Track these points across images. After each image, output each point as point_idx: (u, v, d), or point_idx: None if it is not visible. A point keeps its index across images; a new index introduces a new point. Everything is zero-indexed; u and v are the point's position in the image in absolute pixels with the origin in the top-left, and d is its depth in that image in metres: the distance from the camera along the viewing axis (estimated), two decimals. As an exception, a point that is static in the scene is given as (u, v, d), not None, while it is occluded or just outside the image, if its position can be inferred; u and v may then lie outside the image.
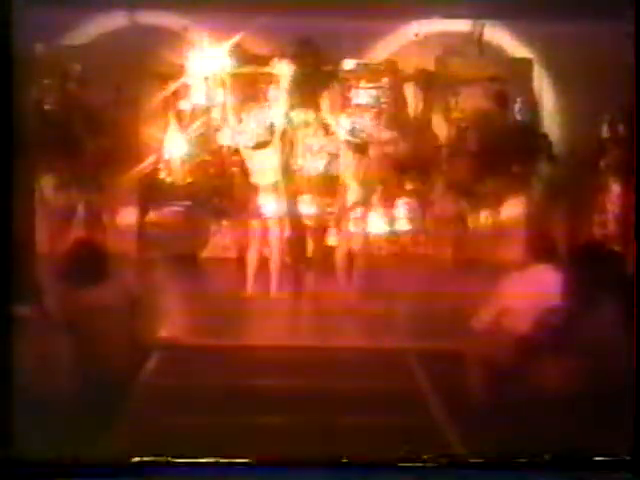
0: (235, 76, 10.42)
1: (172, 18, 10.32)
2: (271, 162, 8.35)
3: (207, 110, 10.49)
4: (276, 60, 9.66)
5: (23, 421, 3.79)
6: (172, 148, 10.39)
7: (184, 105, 10.49)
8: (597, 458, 3.84)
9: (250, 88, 10.29)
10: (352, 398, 5.33)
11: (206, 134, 10.41)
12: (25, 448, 3.77)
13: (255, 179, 8.37)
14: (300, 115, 8.94)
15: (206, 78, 10.46)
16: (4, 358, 3.84)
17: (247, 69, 10.44)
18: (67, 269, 5.03)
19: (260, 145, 8.36)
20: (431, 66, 10.61)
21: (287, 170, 8.84)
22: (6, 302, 3.99)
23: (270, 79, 9.80)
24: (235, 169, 9.08)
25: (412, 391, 5.51)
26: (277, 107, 8.70)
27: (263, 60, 10.34)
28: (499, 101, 10.43)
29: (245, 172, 8.46)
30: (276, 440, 4.66)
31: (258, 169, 8.35)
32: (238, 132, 8.74)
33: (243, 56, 10.41)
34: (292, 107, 8.85)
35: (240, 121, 8.77)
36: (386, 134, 10.47)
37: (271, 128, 8.47)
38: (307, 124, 9.74)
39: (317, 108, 9.05)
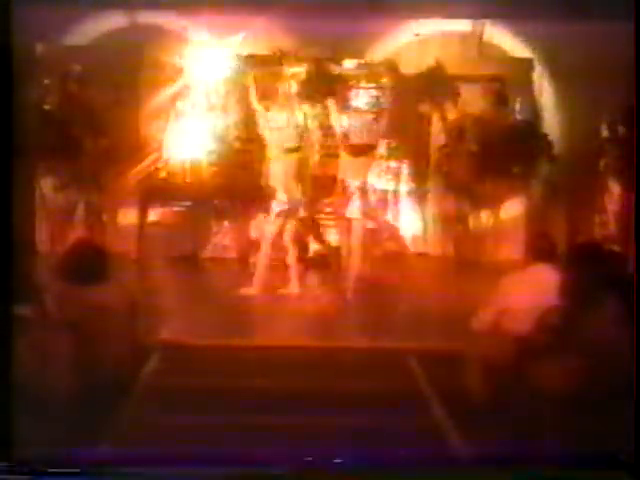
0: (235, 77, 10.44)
1: (172, 18, 10.32)
2: (288, 164, 8.34)
3: (207, 110, 10.50)
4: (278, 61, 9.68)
5: (22, 421, 3.79)
6: (172, 148, 10.39)
7: (184, 105, 10.48)
8: (597, 458, 3.84)
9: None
10: (352, 398, 5.33)
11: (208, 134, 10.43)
12: (24, 448, 3.77)
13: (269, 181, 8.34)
14: (309, 117, 8.94)
15: (206, 78, 10.47)
16: (4, 358, 3.84)
17: (246, 70, 10.43)
18: (67, 269, 5.02)
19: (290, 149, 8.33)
20: (431, 66, 10.61)
21: (299, 172, 8.84)
22: (6, 302, 3.99)
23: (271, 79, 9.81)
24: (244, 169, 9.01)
25: (412, 391, 5.51)
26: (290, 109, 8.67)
27: (263, 61, 10.36)
28: (499, 101, 10.43)
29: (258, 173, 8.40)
30: (275, 440, 4.66)
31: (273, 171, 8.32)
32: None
33: (242, 57, 10.41)
34: (301, 109, 8.86)
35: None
36: (386, 134, 10.49)
37: (294, 130, 8.41)
38: (315, 126, 9.77)
39: (321, 110, 9.08)
